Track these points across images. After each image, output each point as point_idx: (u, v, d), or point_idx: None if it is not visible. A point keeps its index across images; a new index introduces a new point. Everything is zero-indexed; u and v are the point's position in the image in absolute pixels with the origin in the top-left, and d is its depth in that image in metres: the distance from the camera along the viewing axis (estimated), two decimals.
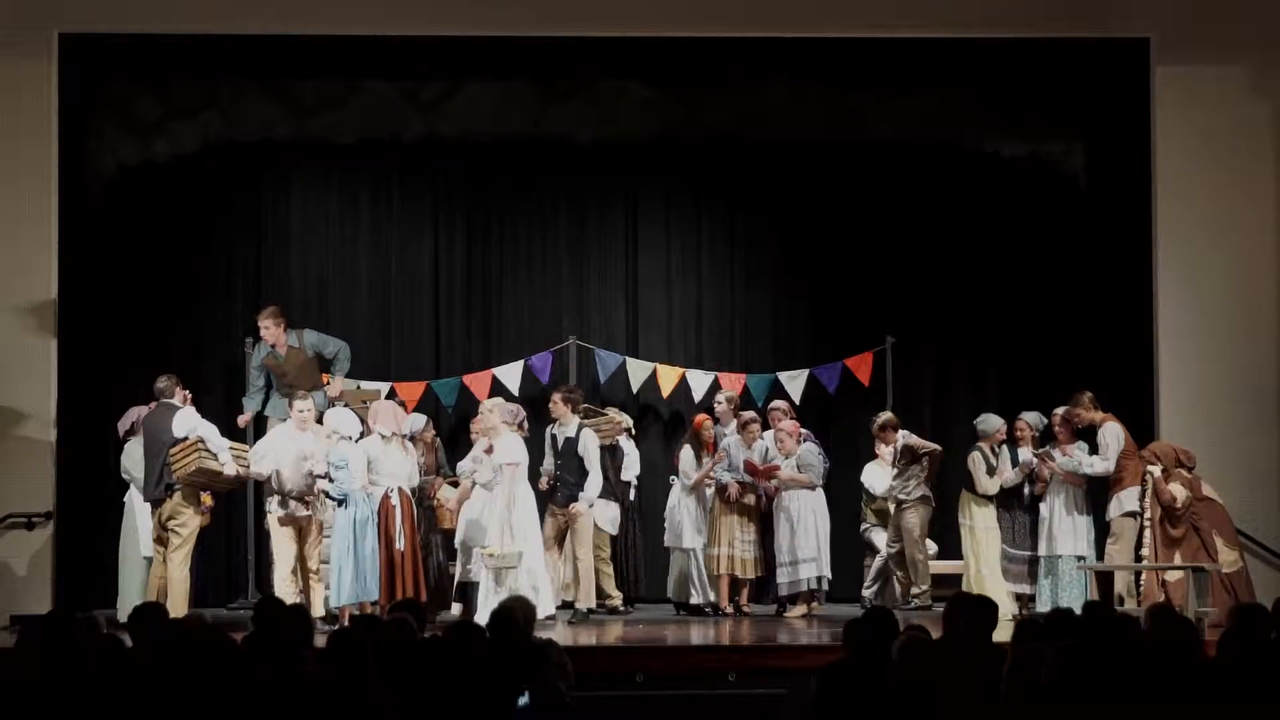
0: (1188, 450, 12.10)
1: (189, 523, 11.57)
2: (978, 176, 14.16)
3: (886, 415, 13.31)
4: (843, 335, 14.25)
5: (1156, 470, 11.89)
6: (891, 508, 13.03)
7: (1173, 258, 13.35)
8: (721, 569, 12.81)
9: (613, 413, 13.25)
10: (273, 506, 11.67)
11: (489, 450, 11.57)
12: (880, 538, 13.21)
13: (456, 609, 11.93)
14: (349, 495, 11.40)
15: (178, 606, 11.14)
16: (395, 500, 11.56)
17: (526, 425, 12.31)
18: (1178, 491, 11.80)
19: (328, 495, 11.47)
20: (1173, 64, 13.27)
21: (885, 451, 13.21)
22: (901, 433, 13.08)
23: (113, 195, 13.57)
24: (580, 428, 12.23)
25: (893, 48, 13.26)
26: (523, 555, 11.43)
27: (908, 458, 12.93)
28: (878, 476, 13.29)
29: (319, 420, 11.92)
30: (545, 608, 11.49)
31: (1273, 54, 13.31)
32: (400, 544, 11.48)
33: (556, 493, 12.23)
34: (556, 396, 12.43)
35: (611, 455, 12.89)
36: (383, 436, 11.69)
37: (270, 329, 12.79)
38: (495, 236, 14.52)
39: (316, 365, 12.97)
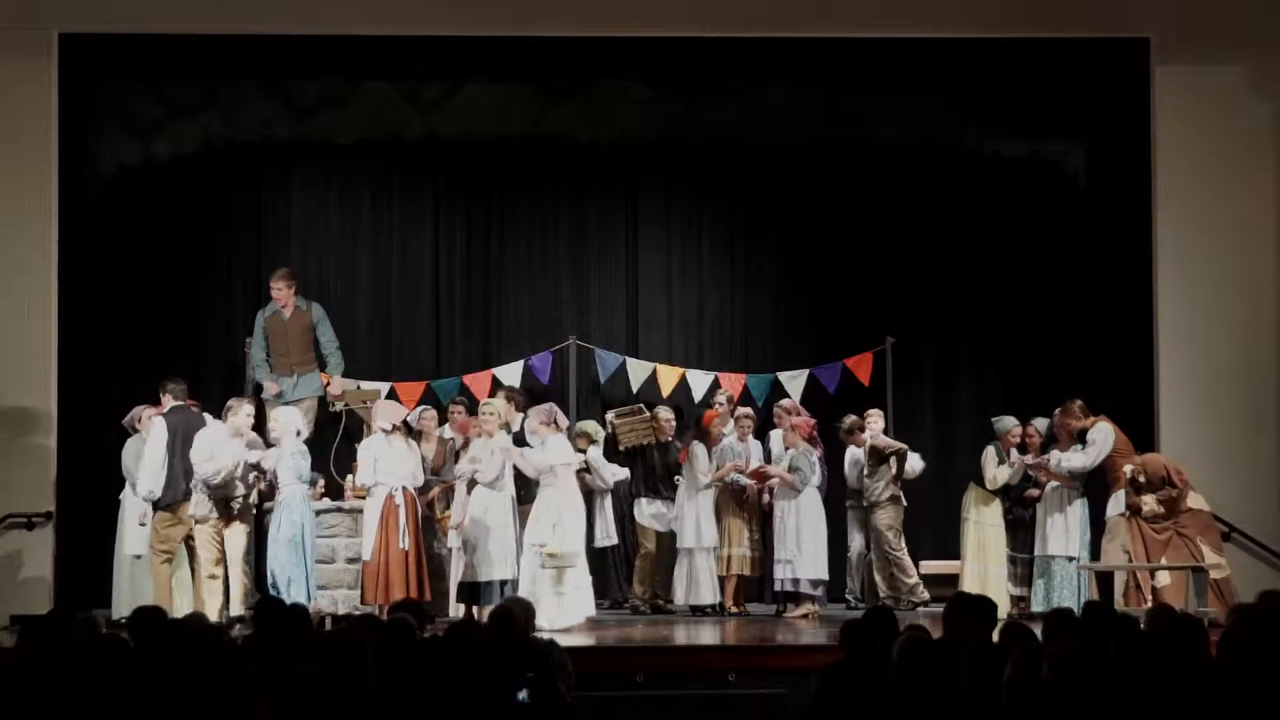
0: (1181, 471, 12.03)
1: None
2: (978, 176, 14.16)
3: (851, 418, 13.27)
4: (843, 335, 14.24)
5: (1128, 470, 11.86)
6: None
7: (1173, 258, 13.35)
8: (733, 569, 12.82)
9: (662, 410, 13.21)
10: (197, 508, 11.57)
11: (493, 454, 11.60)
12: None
13: (459, 609, 11.90)
14: (287, 498, 11.35)
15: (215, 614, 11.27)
16: (399, 499, 11.54)
17: (562, 421, 12.24)
18: (1145, 502, 11.77)
19: (261, 481, 11.43)
20: (1173, 64, 13.28)
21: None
22: (869, 433, 13.08)
23: (113, 195, 13.58)
24: (524, 423, 12.26)
25: (893, 48, 13.26)
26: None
27: (875, 458, 12.93)
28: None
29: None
30: (586, 609, 11.57)
31: (1273, 54, 13.31)
32: (404, 543, 11.46)
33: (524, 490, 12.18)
34: (501, 394, 12.47)
35: (664, 453, 12.93)
36: (384, 431, 11.68)
37: (282, 290, 12.73)
38: (495, 236, 14.52)
39: (313, 343, 12.91)
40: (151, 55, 13.15)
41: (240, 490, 11.47)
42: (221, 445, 11.46)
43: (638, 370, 14.09)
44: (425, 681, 6.55)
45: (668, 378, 14.09)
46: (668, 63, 13.47)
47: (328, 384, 12.93)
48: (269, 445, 11.68)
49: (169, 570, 11.56)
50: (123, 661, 6.42)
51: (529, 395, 13.14)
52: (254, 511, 11.78)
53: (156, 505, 11.54)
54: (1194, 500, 11.94)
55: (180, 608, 11.13)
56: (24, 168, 12.98)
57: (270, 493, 11.61)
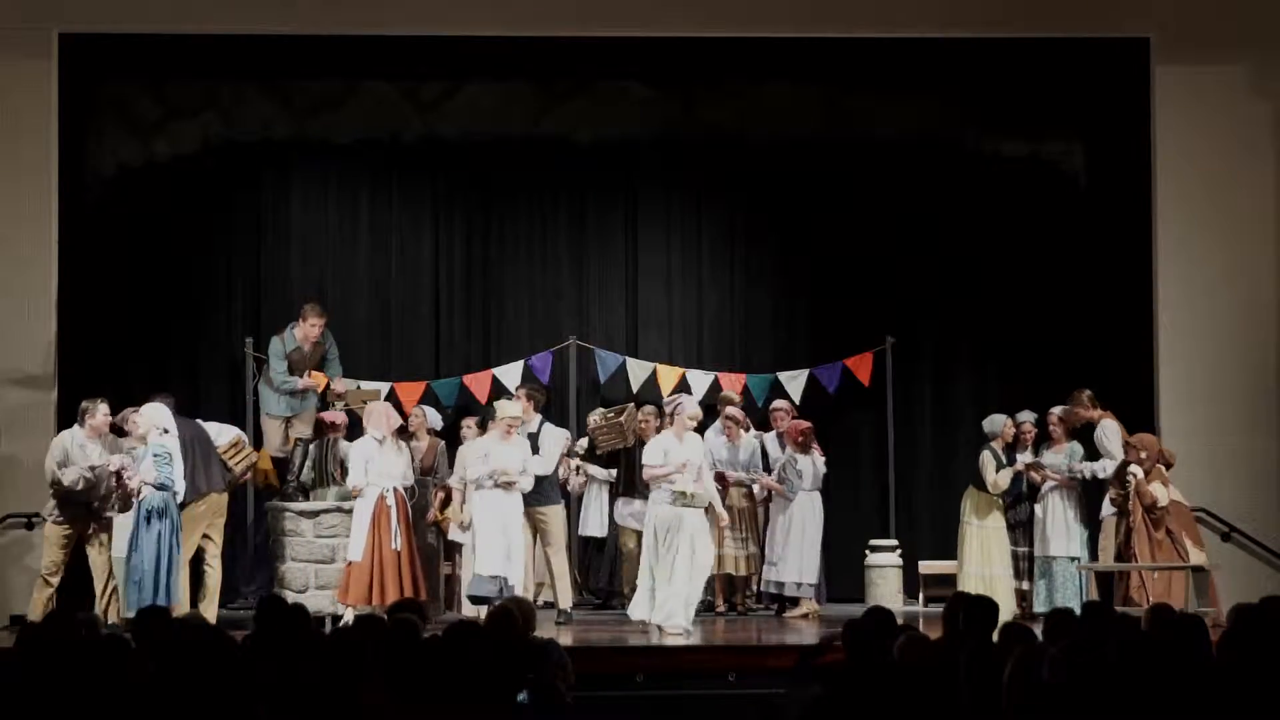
0: (1173, 452, 12.06)
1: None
2: (978, 176, 14.15)
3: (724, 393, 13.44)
4: (843, 335, 14.23)
5: (1139, 472, 11.85)
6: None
7: (1173, 257, 13.35)
8: (721, 569, 12.82)
9: (643, 409, 13.21)
10: (52, 512, 11.57)
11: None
12: None
13: (472, 610, 11.89)
14: (146, 500, 11.24)
15: (214, 606, 11.54)
16: (390, 500, 11.54)
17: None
18: (1159, 492, 11.77)
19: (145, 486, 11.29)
20: (1173, 64, 13.28)
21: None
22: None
23: (113, 195, 13.58)
24: (541, 424, 12.26)
25: (893, 48, 13.27)
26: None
27: None
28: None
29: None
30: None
31: (1273, 54, 13.32)
32: (395, 544, 11.45)
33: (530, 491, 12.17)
34: (520, 393, 12.47)
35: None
36: (377, 441, 11.67)
37: (318, 327, 12.69)
38: (495, 236, 14.52)
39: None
40: (151, 55, 13.15)
41: (107, 493, 11.47)
42: (78, 449, 11.51)
43: (638, 370, 14.09)
44: (425, 681, 6.55)
45: (668, 378, 14.08)
46: (668, 63, 13.47)
47: (326, 385, 12.94)
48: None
49: (185, 573, 11.57)
50: (124, 661, 6.42)
51: (548, 393, 13.17)
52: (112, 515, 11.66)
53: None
54: (1172, 493, 11.94)
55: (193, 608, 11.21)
56: (24, 168, 12.98)
57: (127, 499, 11.38)
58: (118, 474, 11.34)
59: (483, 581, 11.52)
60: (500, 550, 11.56)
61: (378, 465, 11.61)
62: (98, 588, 11.47)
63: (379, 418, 11.82)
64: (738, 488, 12.86)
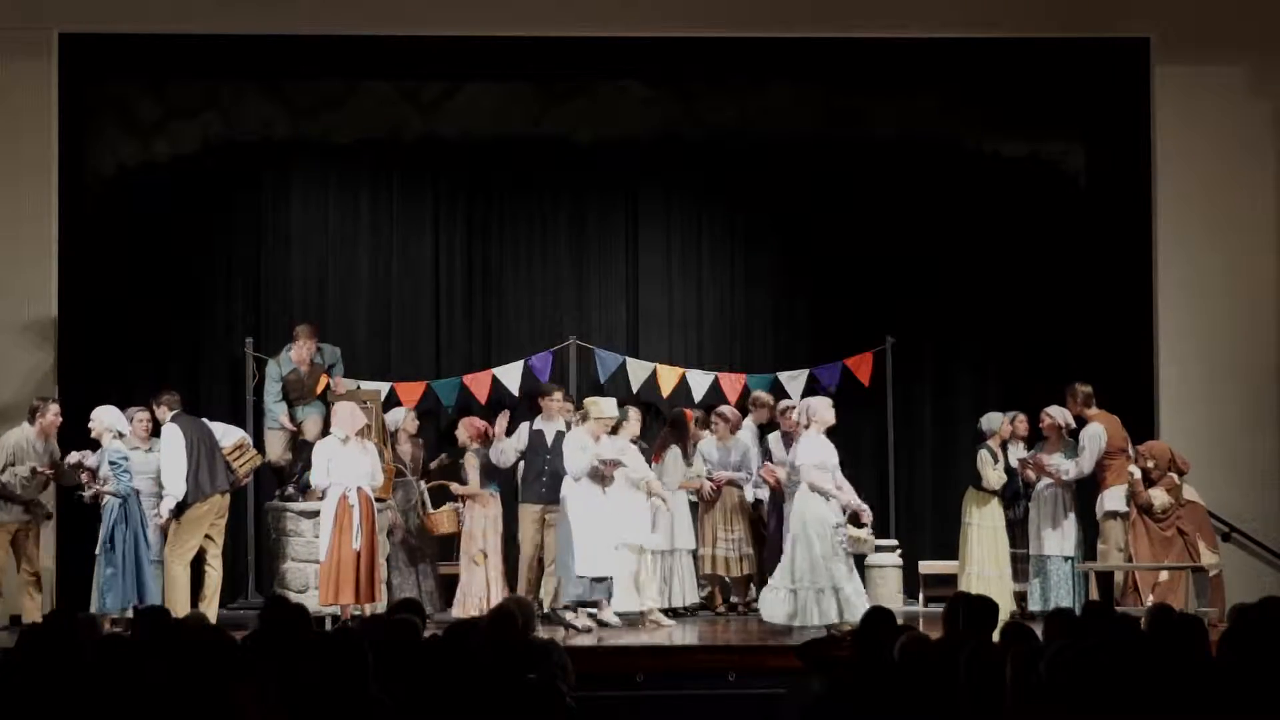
0: (1186, 459, 12.05)
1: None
2: (978, 176, 14.15)
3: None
4: (843, 335, 14.23)
5: (1137, 472, 11.84)
6: None
7: (1173, 258, 13.36)
8: (708, 569, 12.82)
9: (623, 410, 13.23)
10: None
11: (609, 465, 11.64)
12: None
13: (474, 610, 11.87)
14: (105, 504, 11.28)
15: (215, 606, 11.60)
16: (353, 499, 11.48)
17: None
18: (1156, 497, 11.75)
19: (104, 494, 11.31)
20: (1173, 64, 13.29)
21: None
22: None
23: (113, 195, 13.58)
24: (569, 424, 12.28)
25: (893, 48, 13.27)
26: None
27: None
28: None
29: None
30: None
31: (1273, 54, 13.32)
32: (356, 544, 11.41)
33: (544, 488, 12.18)
34: (559, 395, 12.50)
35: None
36: (340, 440, 11.64)
37: (309, 349, 12.70)
38: (495, 236, 14.51)
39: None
40: (151, 55, 13.16)
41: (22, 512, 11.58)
42: (25, 448, 11.58)
43: (638, 370, 14.09)
44: (425, 681, 6.55)
45: (668, 378, 14.09)
46: (668, 63, 13.48)
47: (327, 385, 12.95)
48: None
49: (187, 573, 11.59)
50: (124, 661, 6.42)
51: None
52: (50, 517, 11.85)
53: (180, 508, 11.57)
54: (1189, 493, 11.94)
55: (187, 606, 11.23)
56: (24, 168, 12.99)
57: (95, 496, 11.44)
58: (79, 464, 11.40)
59: (587, 584, 11.52)
60: (600, 549, 11.54)
61: (340, 465, 11.56)
62: (24, 580, 11.59)
63: (344, 418, 11.78)
64: (730, 488, 12.86)
